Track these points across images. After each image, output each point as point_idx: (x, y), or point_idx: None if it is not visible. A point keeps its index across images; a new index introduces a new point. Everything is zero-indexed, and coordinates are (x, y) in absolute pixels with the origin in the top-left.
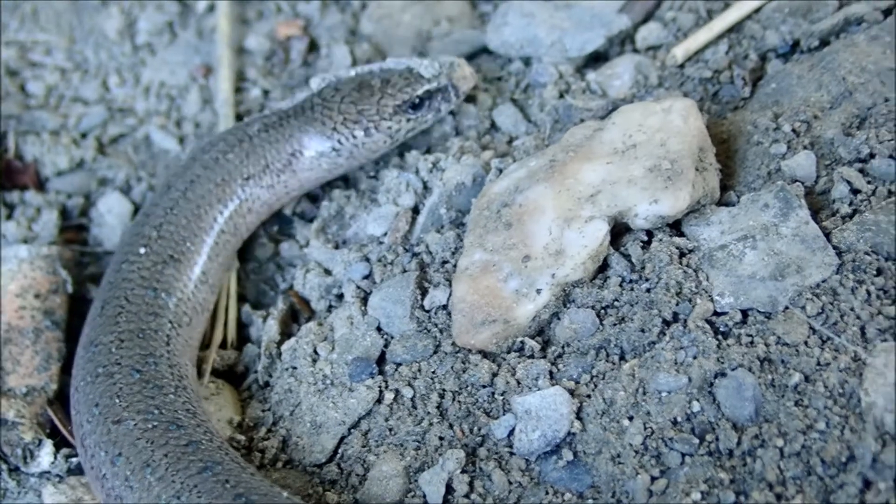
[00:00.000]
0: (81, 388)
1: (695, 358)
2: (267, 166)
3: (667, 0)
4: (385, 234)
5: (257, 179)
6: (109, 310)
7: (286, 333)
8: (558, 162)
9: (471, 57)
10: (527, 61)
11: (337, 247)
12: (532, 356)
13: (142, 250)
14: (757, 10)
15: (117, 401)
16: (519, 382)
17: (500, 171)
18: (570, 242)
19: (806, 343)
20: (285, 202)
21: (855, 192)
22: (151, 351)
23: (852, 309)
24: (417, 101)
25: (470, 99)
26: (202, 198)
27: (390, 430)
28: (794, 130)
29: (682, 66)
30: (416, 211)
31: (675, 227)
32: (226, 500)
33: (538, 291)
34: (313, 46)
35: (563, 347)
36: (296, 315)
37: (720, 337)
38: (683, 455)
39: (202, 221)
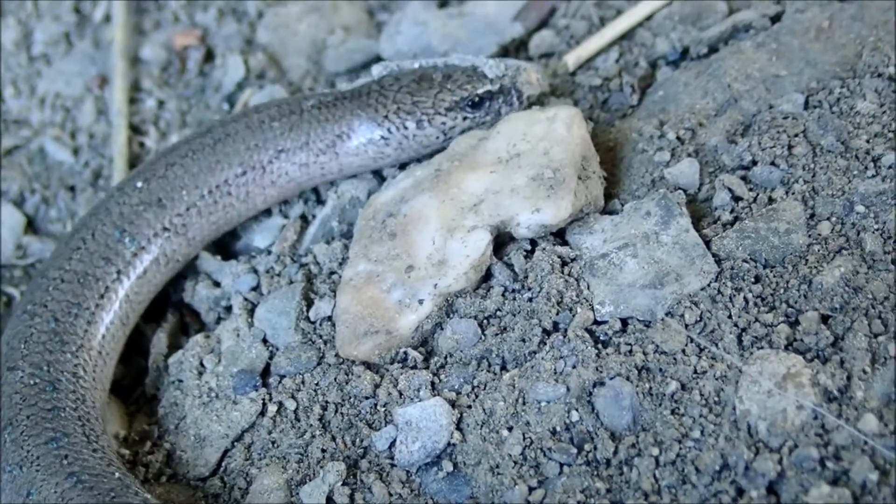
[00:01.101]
0: (10, 322)
1: (574, 367)
2: (307, 143)
3: (560, 7)
4: (272, 244)
5: (290, 154)
6: (73, 242)
7: (175, 346)
8: (443, 171)
9: (365, 66)
10: None
11: (226, 258)
12: (415, 367)
13: (139, 184)
14: (648, 18)
15: (22, 346)
16: (401, 393)
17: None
18: (452, 252)
19: (683, 351)
20: (318, 183)
21: (736, 199)
22: (80, 301)
23: (730, 317)
24: (477, 99)
25: None
26: (226, 155)
27: (273, 442)
28: (678, 138)
29: (573, 73)
30: (305, 221)
31: (560, 235)
32: (59, 478)
33: (420, 302)
34: (210, 56)
35: (445, 358)
36: (186, 328)
37: (600, 346)
38: (561, 465)
39: (212, 176)
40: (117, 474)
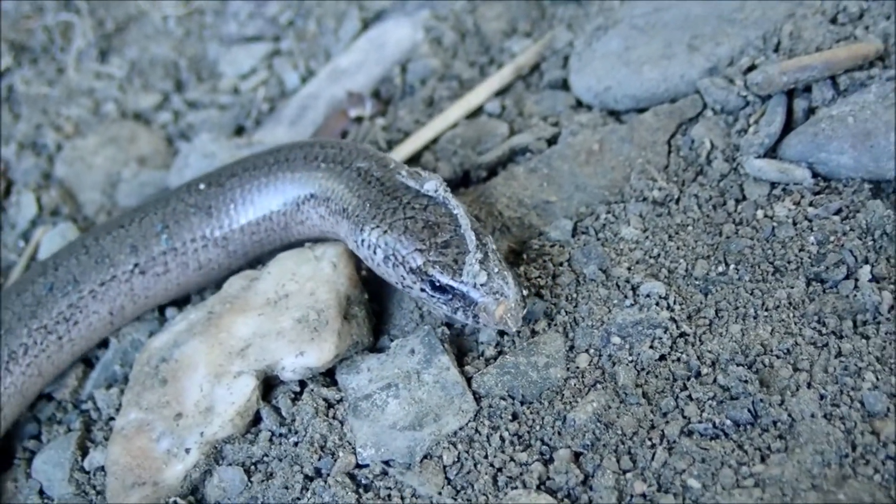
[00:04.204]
0: (32, 267)
1: None
2: (328, 198)
3: (351, 131)
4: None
5: (332, 204)
6: (124, 218)
7: None
8: (215, 314)
9: None
10: None
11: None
12: None
13: (202, 185)
14: (434, 141)
15: (13, 297)
16: None
17: None
18: (218, 399)
19: (440, 493)
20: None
21: (501, 332)
22: (82, 281)
23: (486, 457)
24: (437, 284)
25: None
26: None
27: None
28: None
29: None
30: (90, 365)
31: (330, 375)
32: None
33: (187, 451)
34: (9, 191)
35: None
36: None
37: (360, 491)
38: None
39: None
40: None
